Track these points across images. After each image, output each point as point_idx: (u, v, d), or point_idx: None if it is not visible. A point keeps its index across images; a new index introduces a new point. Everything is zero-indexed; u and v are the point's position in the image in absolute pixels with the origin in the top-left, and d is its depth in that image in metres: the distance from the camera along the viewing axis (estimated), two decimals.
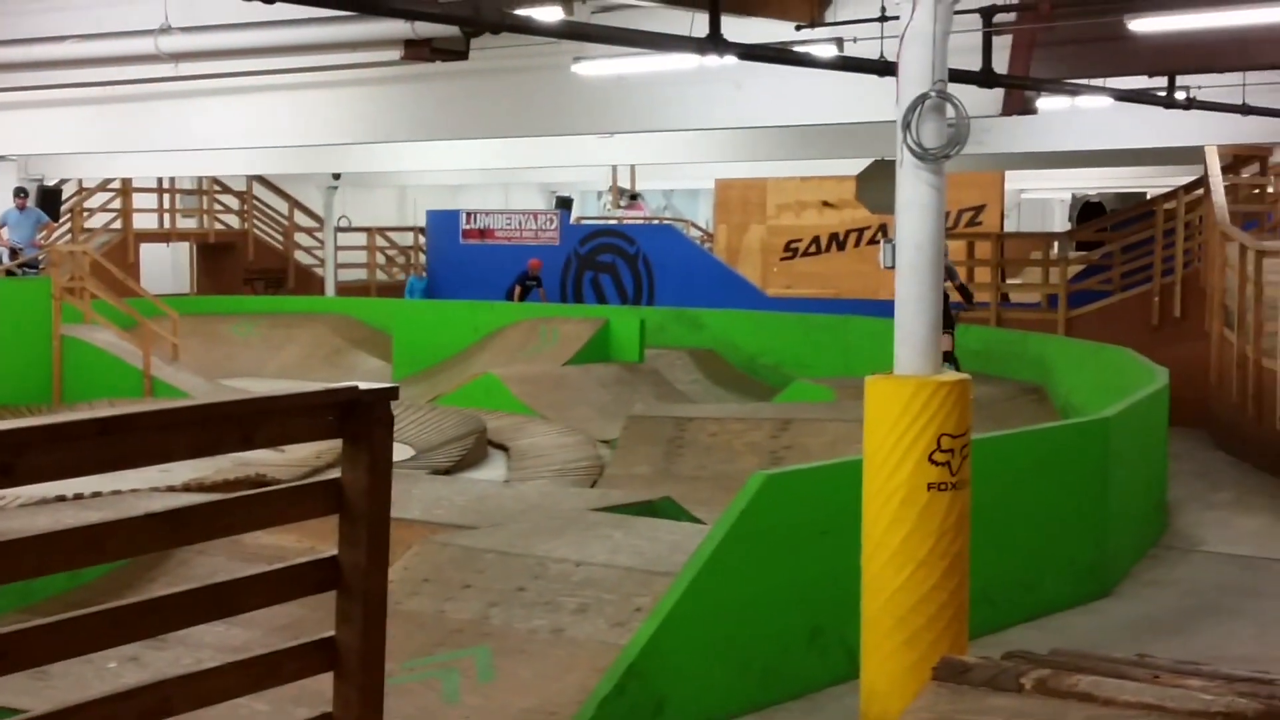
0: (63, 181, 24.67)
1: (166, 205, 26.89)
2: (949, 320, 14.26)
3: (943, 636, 5.75)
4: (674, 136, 18.30)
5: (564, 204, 29.10)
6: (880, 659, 5.83)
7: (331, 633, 3.64)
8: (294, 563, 3.61)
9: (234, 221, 27.48)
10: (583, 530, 8.04)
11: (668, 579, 6.59)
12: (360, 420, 3.60)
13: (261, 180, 27.31)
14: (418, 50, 8.75)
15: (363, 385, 3.66)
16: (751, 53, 9.15)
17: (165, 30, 10.14)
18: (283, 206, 28.10)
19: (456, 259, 25.30)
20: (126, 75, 11.23)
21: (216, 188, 27.20)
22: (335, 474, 3.69)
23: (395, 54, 9.09)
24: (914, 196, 5.80)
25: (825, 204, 24.75)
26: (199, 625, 3.54)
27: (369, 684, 3.62)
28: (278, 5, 6.86)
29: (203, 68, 10.45)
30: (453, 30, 8.58)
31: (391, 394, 3.68)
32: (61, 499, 9.92)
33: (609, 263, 24.30)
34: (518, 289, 23.02)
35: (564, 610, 6.99)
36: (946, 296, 13.60)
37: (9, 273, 19.08)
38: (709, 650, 6.39)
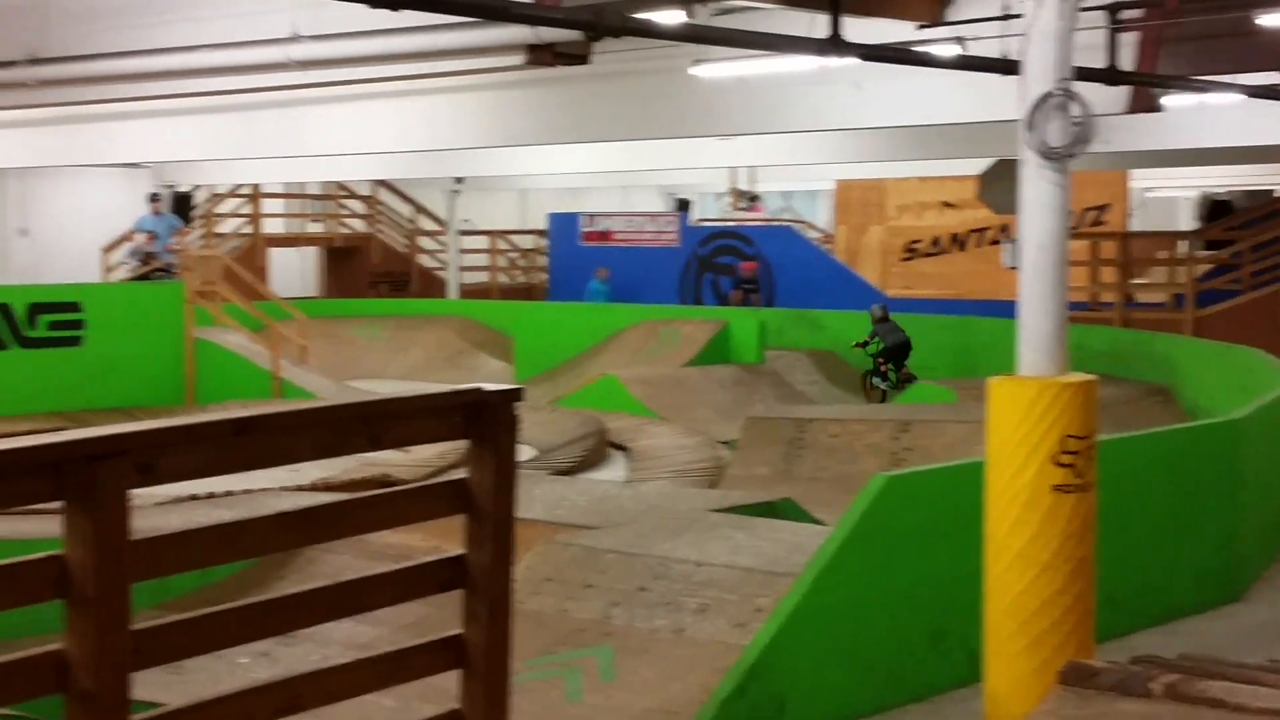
0: (195, 188, 25.23)
1: (294, 210, 27.35)
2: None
3: (1068, 641, 5.68)
4: (793, 138, 18.25)
5: (683, 206, 29.15)
6: (1004, 662, 5.78)
7: (459, 631, 3.69)
8: (422, 561, 3.68)
9: (359, 226, 27.87)
10: (703, 531, 8.06)
11: (789, 580, 6.59)
12: (486, 421, 3.65)
13: (386, 185, 27.66)
14: (540, 55, 8.83)
15: (488, 387, 3.72)
16: (872, 53, 9.12)
17: (294, 39, 10.33)
18: (406, 210, 28.45)
19: (577, 261, 25.45)
20: (256, 83, 11.46)
21: (342, 193, 27.60)
22: (461, 474, 3.75)
23: (518, 59, 9.18)
24: (1038, 196, 5.75)
25: (946, 204, 24.55)
26: (329, 622, 3.61)
27: (495, 681, 3.68)
28: (403, 12, 6.97)
29: (330, 75, 10.64)
30: (575, 35, 8.65)
31: (516, 395, 3.74)
32: (194, 498, 10.12)
33: (728, 264, 24.30)
34: (737, 294, 22.92)
35: (685, 610, 7.01)
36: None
37: (145, 277, 19.54)
38: (830, 651, 6.38)
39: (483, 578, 3.63)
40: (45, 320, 16.43)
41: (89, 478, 2.93)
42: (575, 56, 8.90)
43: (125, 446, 3.01)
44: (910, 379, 17.31)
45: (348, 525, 3.61)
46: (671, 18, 8.69)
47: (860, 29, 9.48)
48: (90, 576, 2.93)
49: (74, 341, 16.63)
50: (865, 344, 17.96)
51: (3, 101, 13.14)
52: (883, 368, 17.74)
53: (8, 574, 2.91)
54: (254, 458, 3.33)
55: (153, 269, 19.71)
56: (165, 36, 11.36)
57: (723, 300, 23.60)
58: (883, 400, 17.31)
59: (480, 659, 3.64)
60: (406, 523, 3.74)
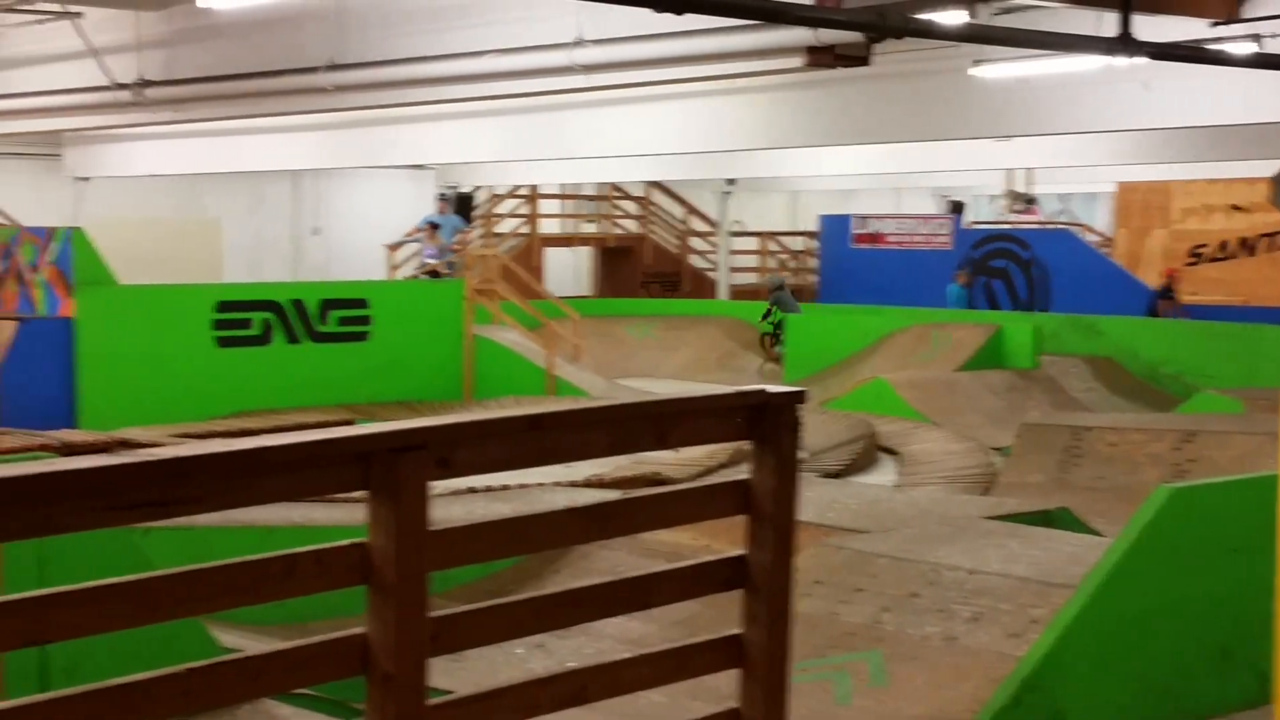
0: (476, 188, 25.95)
1: (570, 211, 27.87)
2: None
3: None
4: (1074, 139, 17.83)
5: (956, 208, 28.72)
6: None
7: (738, 630, 3.73)
8: (704, 560, 3.73)
9: (632, 226, 28.25)
10: (977, 538, 7.94)
11: (1066, 591, 6.45)
12: (769, 423, 3.68)
13: (659, 186, 27.98)
14: (820, 57, 8.82)
15: (772, 388, 3.75)
16: (1163, 52, 8.85)
17: (579, 43, 10.53)
18: (679, 211, 28.72)
19: (847, 263, 25.30)
20: (541, 87, 11.72)
21: (616, 194, 28.01)
22: (743, 475, 3.79)
23: (798, 61, 9.18)
24: None
25: (1235, 207, 23.64)
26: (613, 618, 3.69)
27: (774, 682, 3.70)
28: (686, 15, 7.05)
29: (611, 78, 10.81)
30: (855, 36, 8.62)
31: (799, 398, 3.76)
32: (471, 490, 10.39)
33: (1002, 268, 23.85)
34: (1166, 303, 22.56)
35: (958, 618, 6.93)
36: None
37: (429, 274, 20.18)
38: (1109, 667, 6.22)
39: (763, 579, 3.66)
40: (335, 316, 17.08)
41: (393, 469, 3.06)
42: (855, 58, 8.86)
43: (426, 440, 3.13)
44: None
45: (636, 522, 3.68)
46: (954, 18, 8.58)
47: (1150, 27, 9.21)
48: (391, 564, 3.06)
49: (361, 337, 17.24)
50: (767, 315, 22.26)
51: (302, 106, 13.72)
52: (781, 334, 21.51)
53: (316, 559, 3.05)
54: (546, 453, 3.42)
55: (428, 271, 20.33)
56: (454, 42, 11.71)
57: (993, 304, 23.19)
58: (778, 361, 21.28)
59: (760, 659, 3.68)
60: (690, 521, 3.80)
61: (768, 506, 3.68)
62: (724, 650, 3.72)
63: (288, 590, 3.05)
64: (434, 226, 21.09)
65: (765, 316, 22.40)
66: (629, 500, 3.71)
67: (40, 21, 14.35)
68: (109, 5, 13.92)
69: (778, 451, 3.68)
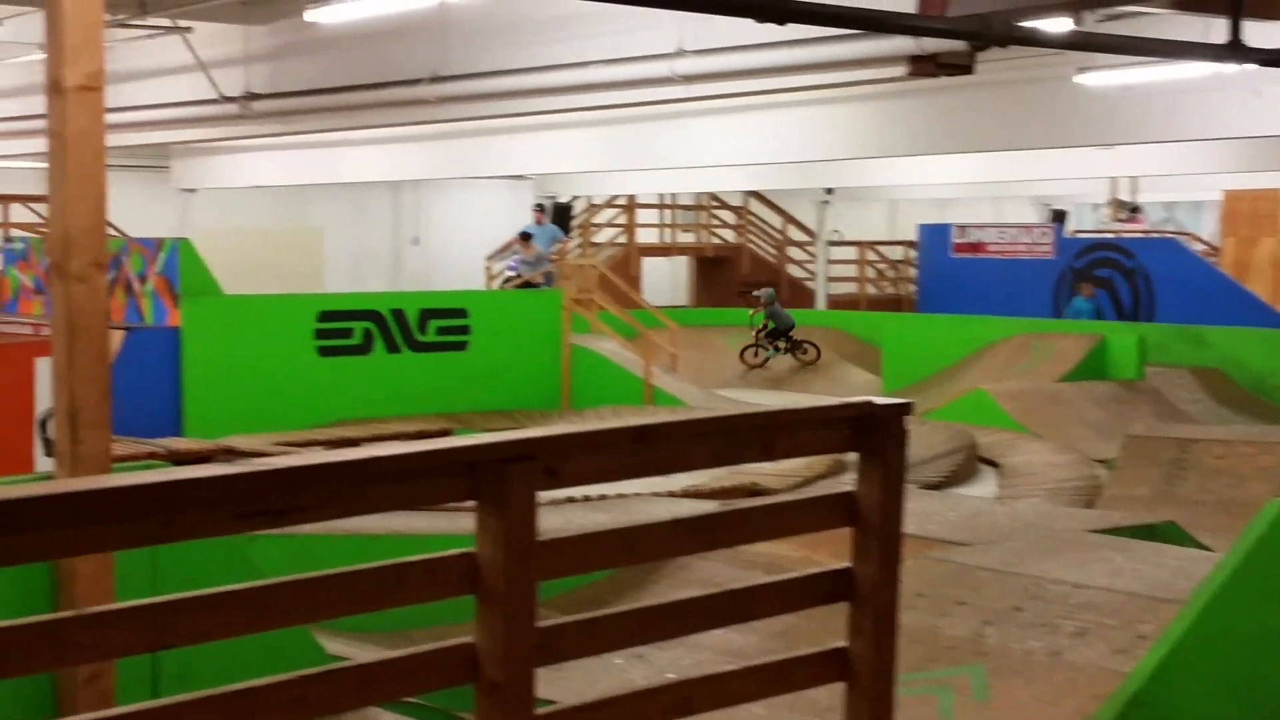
0: (574, 198, 26.06)
1: (667, 220, 27.92)
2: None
3: None
4: (1180, 146, 17.58)
5: (1058, 217, 28.40)
6: None
7: (843, 643, 3.72)
8: (808, 573, 3.72)
9: (730, 236, 28.23)
10: (1081, 551, 7.84)
11: (1174, 606, 6.35)
12: (875, 434, 3.67)
13: (757, 195, 27.94)
14: (923, 66, 8.76)
15: (878, 400, 3.73)
16: (1274, 58, 8.70)
17: (679, 54, 10.55)
18: (776, 221, 28.66)
19: (947, 272, 25.11)
20: (641, 98, 11.76)
21: (714, 203, 28.01)
22: (848, 487, 3.77)
23: (901, 70, 9.13)
24: None
25: None
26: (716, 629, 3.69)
27: (879, 696, 3.69)
28: (788, 25, 7.04)
29: (712, 89, 10.82)
30: (959, 45, 8.56)
31: (906, 409, 3.74)
32: (570, 500, 10.42)
33: (1105, 277, 23.55)
34: None
35: (1062, 633, 6.84)
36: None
37: (527, 284, 20.29)
38: (1220, 685, 6.11)
39: (869, 592, 3.65)
40: (434, 325, 17.21)
41: (501, 479, 3.08)
42: (958, 67, 8.79)
43: (534, 451, 3.16)
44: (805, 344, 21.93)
45: (743, 533, 3.68)
46: (1059, 25, 8.49)
47: (1261, 32, 9.05)
48: (500, 574, 3.08)
49: (460, 346, 17.35)
50: (764, 327, 22.50)
51: (405, 117, 13.88)
52: (774, 343, 22.21)
53: (427, 569, 3.08)
54: (651, 464, 3.43)
55: (521, 281, 20.45)
56: (555, 54, 11.79)
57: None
58: (763, 365, 22.18)
59: (865, 673, 3.66)
60: (796, 533, 3.79)
61: (874, 519, 3.66)
62: (829, 663, 3.71)
63: (399, 599, 3.08)
64: (525, 237, 21.21)
65: (762, 330, 22.59)
66: (736, 511, 3.71)
67: (151, 36, 14.63)
68: (217, 20, 14.16)
69: (884, 463, 3.66)
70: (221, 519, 2.80)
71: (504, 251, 23.42)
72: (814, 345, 22.13)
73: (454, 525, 9.21)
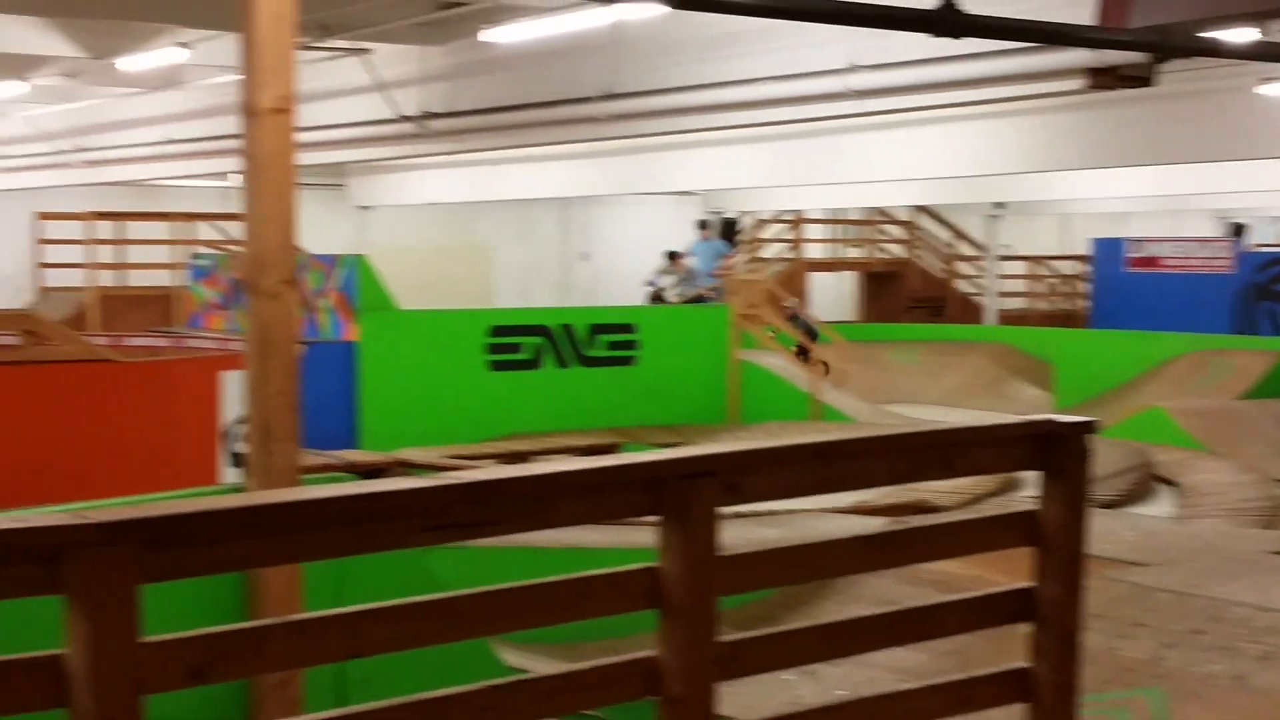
0: (741, 214, 26.09)
1: (834, 235, 27.80)
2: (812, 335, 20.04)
3: None
4: None
5: (1237, 231, 27.68)
6: None
7: (1025, 664, 3.68)
8: (990, 592, 3.69)
9: (898, 251, 28.02)
10: (1265, 573, 7.66)
11: None
12: (1057, 453, 3.63)
13: (925, 210, 27.70)
14: (1103, 79, 8.61)
15: (1060, 418, 3.69)
16: None
17: (853, 69, 10.51)
18: (945, 235, 28.38)
19: (1121, 287, 24.62)
20: (812, 114, 11.75)
21: (881, 218, 27.83)
22: (1023, 505, 3.74)
23: (1079, 83, 8.98)
24: None
25: None
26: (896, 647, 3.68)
27: (1062, 718, 3.64)
28: (962, 39, 6.98)
29: (885, 104, 10.76)
30: (1139, 56, 8.41)
31: (1089, 428, 3.69)
32: (738, 515, 10.42)
33: None
34: None
35: (1245, 657, 6.68)
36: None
37: (695, 299, 20.37)
38: None
39: (1053, 612, 3.61)
40: (603, 340, 17.35)
41: (683, 495, 3.12)
42: (1138, 79, 8.64)
43: (715, 467, 3.19)
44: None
45: (921, 552, 3.67)
46: (1242, 36, 8.30)
47: None
48: (681, 588, 3.12)
49: (628, 361, 17.47)
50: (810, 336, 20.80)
51: (577, 135, 14.03)
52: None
53: (609, 582, 3.13)
54: (831, 481, 3.44)
55: (692, 297, 20.53)
56: (727, 70, 11.83)
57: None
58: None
59: (1048, 694, 3.62)
60: (975, 552, 3.77)
61: (1056, 538, 3.62)
62: (1011, 683, 3.68)
63: (582, 612, 3.13)
64: (674, 256, 21.34)
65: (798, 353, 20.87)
66: (917, 530, 3.70)
67: (333, 58, 14.99)
68: (396, 41, 14.47)
69: (1067, 482, 3.63)
70: (410, 531, 2.88)
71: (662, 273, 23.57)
72: (825, 364, 20.15)
73: (623, 539, 9.28)
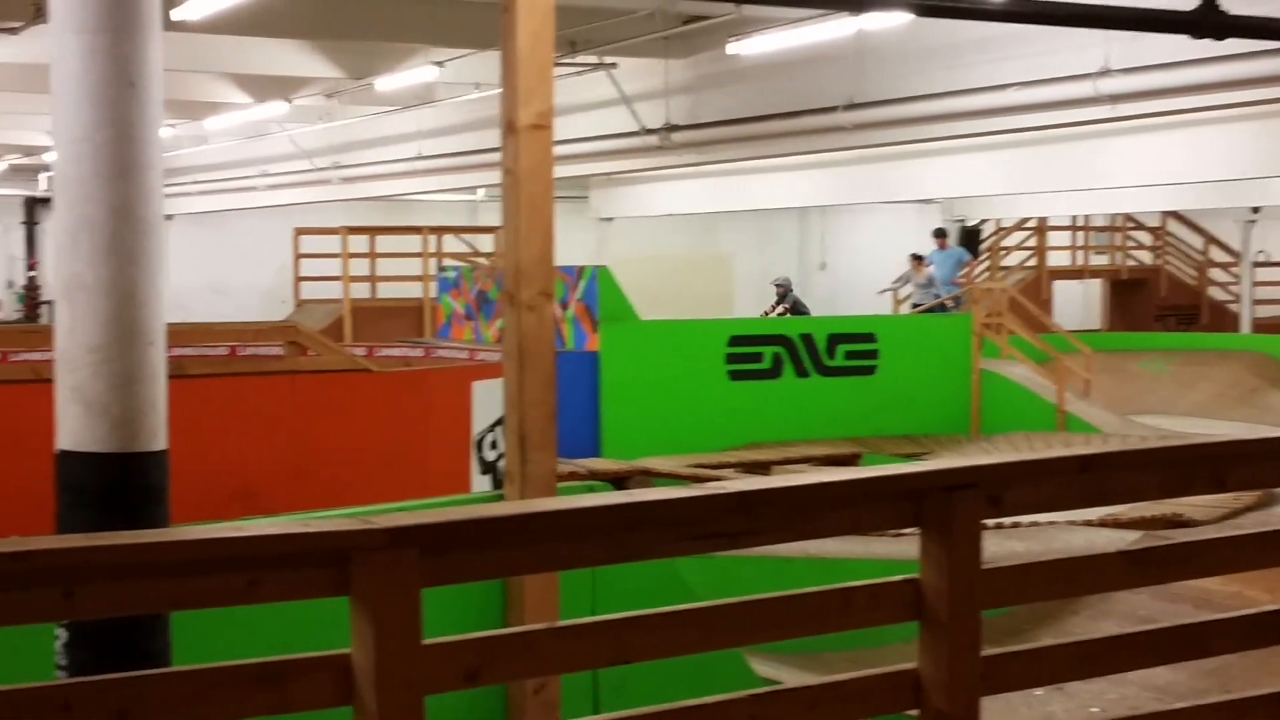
0: (982, 221, 25.69)
1: (1079, 242, 27.18)
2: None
3: None
4: None
5: None
6: None
7: None
8: (1264, 610, 3.57)
9: (1146, 257, 27.25)
10: None
11: None
12: None
13: (1175, 215, 26.88)
14: None
15: None
16: None
17: (1105, 73, 10.28)
18: (1197, 241, 27.50)
19: None
20: (1061, 119, 11.52)
21: (1129, 224, 27.11)
22: None
23: None
24: None
25: None
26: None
27: None
28: (1226, 40, 6.77)
29: (1139, 108, 10.49)
30: None
31: None
32: (982, 526, 10.24)
33: None
34: None
35: None
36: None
37: (936, 308, 20.13)
38: None
39: None
40: (843, 350, 17.26)
41: (945, 507, 3.10)
42: None
43: (978, 479, 3.16)
44: None
45: (1190, 569, 3.58)
46: None
47: None
48: (944, 601, 3.10)
49: (868, 371, 17.34)
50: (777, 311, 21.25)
51: (819, 145, 14.01)
52: None
53: (871, 594, 3.13)
54: (1095, 494, 3.39)
55: (935, 304, 20.27)
56: (973, 77, 11.68)
57: None
58: None
59: None
60: (1242, 570, 3.65)
61: None
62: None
63: (844, 623, 3.14)
64: (918, 259, 21.09)
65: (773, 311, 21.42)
66: (1179, 545, 3.61)
67: (579, 73, 15.25)
68: (641, 55, 14.64)
69: None
70: (675, 539, 2.92)
71: (899, 280, 23.31)
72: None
73: (868, 550, 9.22)
